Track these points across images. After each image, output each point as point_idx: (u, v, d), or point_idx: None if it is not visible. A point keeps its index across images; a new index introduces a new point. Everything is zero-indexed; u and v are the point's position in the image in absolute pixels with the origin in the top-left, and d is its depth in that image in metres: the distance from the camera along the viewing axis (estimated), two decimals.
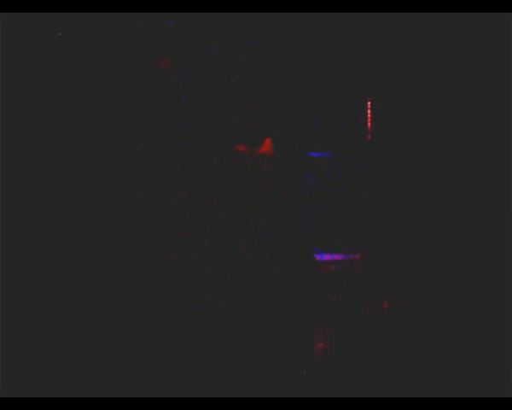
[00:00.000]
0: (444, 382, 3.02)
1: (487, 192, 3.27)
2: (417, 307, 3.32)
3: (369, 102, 3.61)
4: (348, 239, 3.70)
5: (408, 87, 3.49)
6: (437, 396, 2.72)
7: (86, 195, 3.23)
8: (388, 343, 3.25)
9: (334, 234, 3.71)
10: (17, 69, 3.14)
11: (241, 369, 3.12)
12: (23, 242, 3.11)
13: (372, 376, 3.12)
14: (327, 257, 3.62)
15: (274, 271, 3.28)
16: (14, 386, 2.89)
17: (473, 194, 3.31)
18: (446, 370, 3.08)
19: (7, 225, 3.05)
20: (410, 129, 3.48)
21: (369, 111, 3.60)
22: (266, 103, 3.38)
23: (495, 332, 3.09)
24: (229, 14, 3.25)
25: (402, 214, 3.48)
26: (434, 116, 3.43)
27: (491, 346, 3.08)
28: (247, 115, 3.33)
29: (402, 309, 3.34)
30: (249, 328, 3.20)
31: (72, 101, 3.25)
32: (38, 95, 3.20)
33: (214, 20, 3.36)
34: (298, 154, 3.42)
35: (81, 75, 3.25)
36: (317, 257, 3.57)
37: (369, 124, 3.62)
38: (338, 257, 3.62)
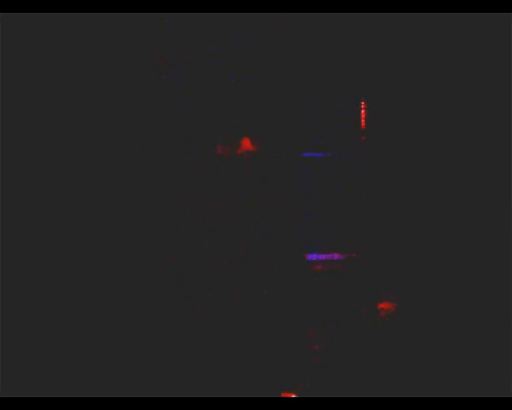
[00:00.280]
0: (444, 382, 3.02)
1: (483, 191, 3.27)
2: (416, 307, 3.32)
3: (363, 102, 3.62)
4: (343, 239, 3.70)
5: (403, 87, 3.49)
6: (437, 396, 2.72)
7: (86, 195, 3.23)
8: (388, 344, 3.26)
9: (328, 234, 3.71)
10: (17, 69, 3.14)
11: (239, 369, 3.13)
12: (23, 242, 3.11)
13: (372, 376, 3.12)
14: (320, 257, 3.62)
15: (269, 271, 3.29)
16: (14, 386, 2.89)
17: (469, 192, 3.32)
18: (446, 370, 3.08)
19: (7, 225, 3.05)
20: (405, 129, 3.48)
21: (363, 111, 3.61)
22: (261, 104, 3.39)
23: (495, 332, 3.09)
24: (226, 14, 3.25)
25: (397, 214, 3.49)
26: (430, 116, 3.43)
27: (491, 346, 3.08)
28: (231, 115, 3.33)
29: (400, 309, 3.34)
30: (245, 329, 3.20)
31: (72, 101, 3.25)
32: (38, 95, 3.20)
33: (212, 20, 3.37)
34: (292, 154, 3.43)
35: (81, 75, 3.25)
36: (311, 257, 3.57)
37: (363, 124, 3.63)
38: (332, 257, 3.63)
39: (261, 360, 3.16)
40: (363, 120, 3.61)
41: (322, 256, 3.63)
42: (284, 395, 3.01)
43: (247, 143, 3.31)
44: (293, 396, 2.99)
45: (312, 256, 3.62)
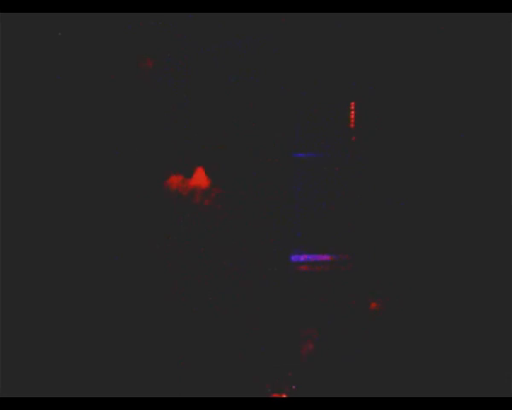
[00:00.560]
0: (444, 382, 3.02)
1: (477, 188, 3.27)
2: (415, 307, 3.32)
3: (352, 104, 3.62)
4: (334, 240, 3.70)
5: (395, 86, 3.49)
6: (437, 396, 2.72)
7: (85, 195, 3.23)
8: (388, 343, 3.25)
9: (319, 235, 3.71)
10: (17, 69, 3.14)
11: (230, 370, 3.13)
12: (22, 242, 3.11)
13: (372, 375, 3.12)
14: (310, 258, 3.62)
15: (260, 272, 3.30)
16: (14, 386, 2.89)
17: (462, 189, 3.31)
18: (446, 370, 3.08)
19: (7, 225, 3.05)
20: (396, 129, 3.48)
21: (352, 112, 3.61)
22: (252, 104, 3.39)
23: (495, 332, 3.09)
24: (222, 14, 3.25)
25: (388, 214, 3.48)
26: (422, 115, 3.43)
27: (491, 346, 3.08)
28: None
29: (392, 309, 3.34)
30: (237, 330, 3.21)
31: (71, 101, 3.25)
32: (38, 94, 3.20)
33: (210, 20, 3.36)
34: (283, 155, 3.44)
35: (81, 75, 3.25)
36: (300, 258, 3.58)
37: (352, 125, 3.63)
38: (323, 258, 3.63)
39: (252, 361, 3.17)
40: (353, 121, 3.62)
41: (312, 257, 3.63)
42: (275, 395, 3.02)
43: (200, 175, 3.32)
44: (285, 397, 3.00)
45: (302, 257, 3.62)
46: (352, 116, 3.61)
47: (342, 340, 3.25)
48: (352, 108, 3.61)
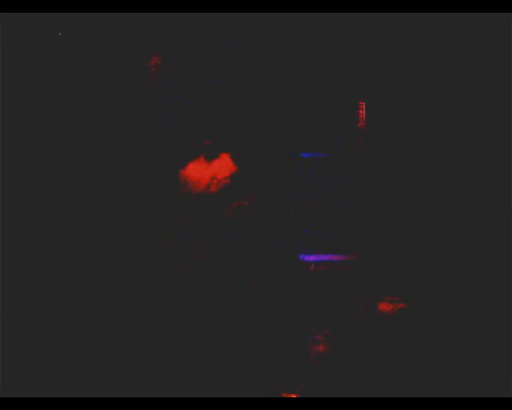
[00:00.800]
0: (444, 382, 3.02)
1: (484, 191, 3.27)
2: (416, 307, 3.32)
3: (361, 103, 3.62)
4: (340, 240, 3.69)
5: (401, 88, 3.49)
6: (437, 396, 2.72)
7: (85, 195, 3.23)
8: (388, 343, 3.25)
9: (325, 234, 3.71)
10: (17, 69, 3.14)
11: (239, 370, 3.13)
12: (23, 242, 3.11)
13: (373, 375, 3.12)
14: (318, 258, 3.61)
15: (268, 272, 3.29)
16: (14, 386, 2.89)
17: (469, 190, 3.31)
18: (446, 370, 3.08)
19: (7, 225, 3.05)
20: (403, 129, 3.48)
21: (361, 112, 3.61)
22: (261, 104, 3.39)
23: (495, 332, 3.09)
24: (225, 14, 3.25)
25: (396, 214, 3.48)
26: (429, 116, 3.43)
27: (491, 346, 3.08)
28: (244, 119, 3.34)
29: (399, 310, 3.34)
30: (246, 329, 3.20)
31: (72, 101, 3.25)
32: (38, 94, 3.20)
33: (209, 21, 3.36)
34: (290, 154, 3.44)
35: (81, 76, 3.25)
36: (307, 258, 3.57)
37: (361, 124, 3.63)
38: (330, 258, 3.62)
39: (261, 362, 3.16)
40: (361, 121, 3.61)
41: (321, 257, 3.62)
42: (285, 395, 3.01)
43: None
44: (294, 396, 2.99)
45: (310, 257, 3.61)
46: (361, 116, 3.61)
47: (350, 339, 3.25)
48: (361, 107, 3.61)
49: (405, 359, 3.16)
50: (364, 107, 3.60)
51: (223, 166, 3.22)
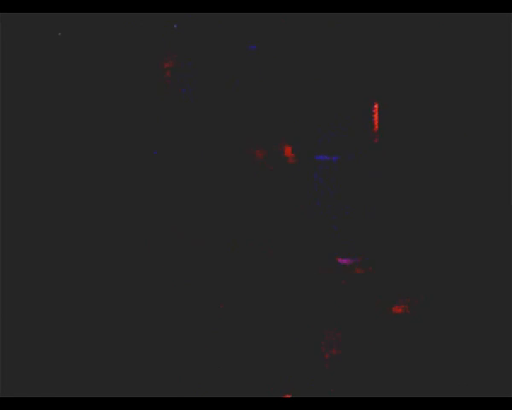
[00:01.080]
0: (444, 382, 3.02)
1: (497, 196, 3.27)
2: (426, 309, 3.32)
3: (376, 105, 3.61)
4: (356, 243, 3.69)
5: (412, 88, 3.49)
6: (437, 396, 2.72)
7: (86, 195, 3.23)
8: (389, 343, 3.25)
9: (341, 238, 3.71)
10: (17, 69, 3.14)
11: (249, 370, 3.12)
12: (23, 242, 3.11)
13: (372, 375, 3.12)
14: (341, 261, 3.62)
15: (287, 273, 3.29)
16: (14, 386, 2.89)
17: (483, 198, 3.31)
18: (446, 370, 3.08)
19: (7, 226, 3.05)
20: (418, 131, 3.48)
21: (375, 114, 3.60)
22: (274, 106, 3.39)
23: (495, 333, 3.09)
24: (233, 14, 3.25)
25: (410, 218, 3.48)
26: (438, 118, 3.43)
27: (491, 346, 3.08)
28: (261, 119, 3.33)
29: (414, 312, 3.34)
30: (258, 329, 3.20)
31: (74, 102, 3.25)
32: (38, 95, 3.20)
33: (214, 21, 3.36)
34: (305, 157, 3.43)
35: (81, 76, 3.25)
36: (342, 260, 3.57)
37: (376, 127, 3.62)
38: (344, 261, 3.62)
39: (271, 362, 3.16)
40: (376, 122, 3.61)
41: (343, 261, 3.62)
42: (292, 396, 3.01)
43: (288, 151, 3.32)
44: (302, 397, 2.99)
45: (344, 260, 3.61)
46: (376, 118, 3.60)
47: (364, 342, 3.25)
48: (375, 110, 3.60)
49: (405, 358, 3.16)
50: (379, 108, 3.60)
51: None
